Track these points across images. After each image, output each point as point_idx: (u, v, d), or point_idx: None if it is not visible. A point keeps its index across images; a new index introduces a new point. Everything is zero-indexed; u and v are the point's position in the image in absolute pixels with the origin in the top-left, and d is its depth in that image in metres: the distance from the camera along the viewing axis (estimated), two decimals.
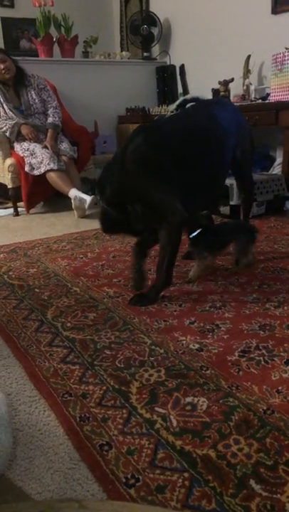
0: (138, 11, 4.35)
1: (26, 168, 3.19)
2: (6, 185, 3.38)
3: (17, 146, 3.29)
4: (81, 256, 2.24)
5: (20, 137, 3.29)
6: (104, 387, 1.13)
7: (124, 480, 0.85)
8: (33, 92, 3.35)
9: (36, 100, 3.36)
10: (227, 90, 3.39)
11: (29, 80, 3.35)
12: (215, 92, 3.47)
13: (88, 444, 0.94)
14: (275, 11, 3.20)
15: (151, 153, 1.57)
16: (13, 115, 3.28)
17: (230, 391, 1.09)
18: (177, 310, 1.57)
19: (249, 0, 3.38)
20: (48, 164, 3.12)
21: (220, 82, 3.40)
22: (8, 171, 3.27)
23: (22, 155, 3.23)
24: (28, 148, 3.23)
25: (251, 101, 3.24)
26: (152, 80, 4.40)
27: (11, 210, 3.41)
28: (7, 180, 3.32)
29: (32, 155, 3.20)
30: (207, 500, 0.79)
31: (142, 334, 1.41)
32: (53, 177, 3.13)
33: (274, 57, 2.93)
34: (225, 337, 1.36)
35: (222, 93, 3.40)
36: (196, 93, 3.65)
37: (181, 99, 3.46)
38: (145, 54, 4.35)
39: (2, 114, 3.28)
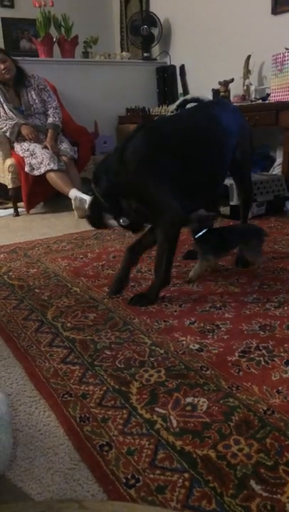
0: (138, 12, 4.35)
1: (26, 169, 3.19)
2: (6, 186, 3.38)
3: (17, 147, 3.29)
4: (81, 256, 2.24)
5: (20, 137, 3.29)
6: (105, 388, 1.13)
7: (124, 480, 0.85)
8: (33, 93, 3.35)
9: (36, 100, 3.37)
10: (227, 90, 3.39)
11: (29, 80, 3.35)
12: (215, 92, 3.47)
13: (88, 445, 0.94)
14: (275, 11, 3.21)
15: (152, 154, 1.58)
16: (13, 115, 3.28)
17: (230, 391, 1.09)
18: (177, 310, 1.57)
19: (249, 0, 3.38)
20: (48, 164, 3.12)
21: (220, 83, 3.40)
22: (9, 171, 3.27)
23: (22, 155, 3.23)
24: (28, 149, 3.23)
25: (251, 101, 3.24)
26: (152, 80, 4.40)
27: (11, 211, 3.41)
28: (7, 181, 3.32)
29: (32, 155, 3.20)
30: (207, 501, 0.79)
31: (142, 334, 1.41)
32: (53, 177, 3.13)
33: (274, 58, 2.93)
34: (225, 337, 1.36)
35: (222, 93, 3.40)
36: (196, 93, 3.64)
37: (181, 99, 3.45)
38: (145, 54, 4.35)
39: (2, 114, 3.28)
